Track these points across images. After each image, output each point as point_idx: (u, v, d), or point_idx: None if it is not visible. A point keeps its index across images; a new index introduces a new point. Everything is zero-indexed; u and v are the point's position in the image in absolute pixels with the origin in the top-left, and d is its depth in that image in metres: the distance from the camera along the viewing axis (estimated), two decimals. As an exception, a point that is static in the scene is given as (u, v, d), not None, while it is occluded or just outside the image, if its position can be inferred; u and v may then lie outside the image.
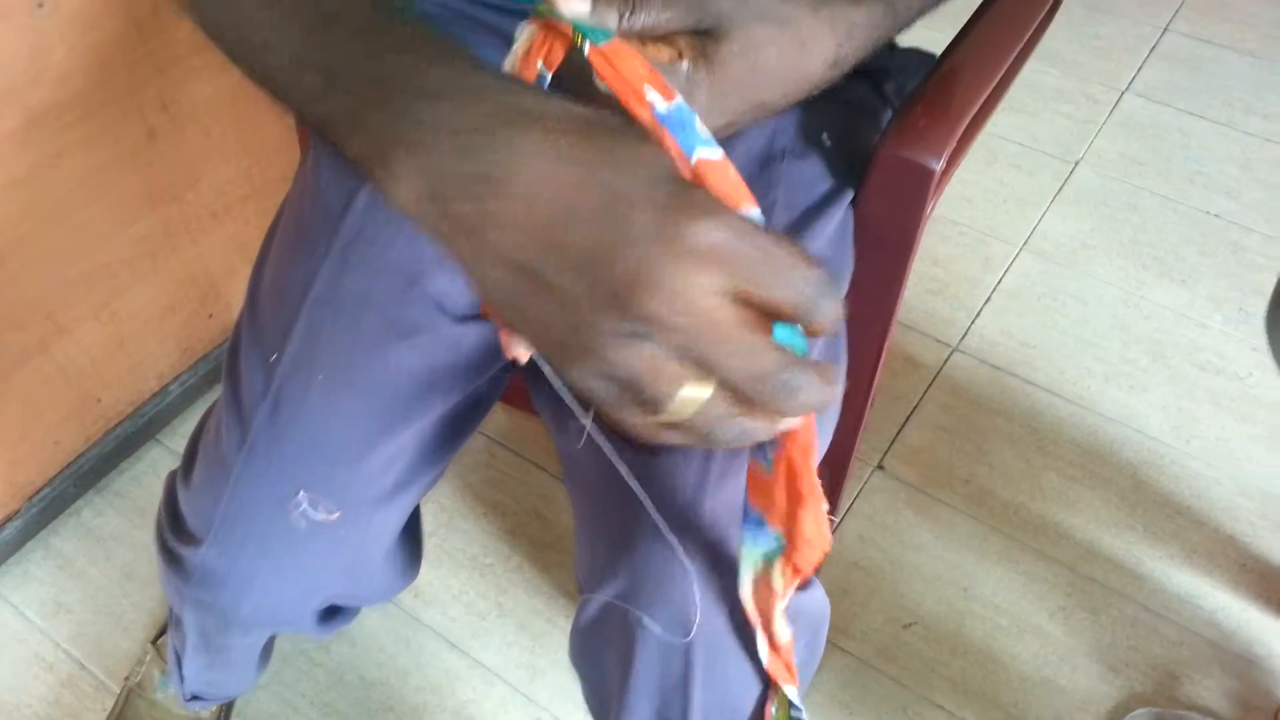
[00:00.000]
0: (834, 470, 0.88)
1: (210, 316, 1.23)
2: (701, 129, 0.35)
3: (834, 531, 1.15)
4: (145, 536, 1.17)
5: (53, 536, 1.16)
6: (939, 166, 0.57)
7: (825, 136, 0.64)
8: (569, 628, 1.10)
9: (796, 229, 0.61)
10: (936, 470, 1.21)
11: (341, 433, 0.60)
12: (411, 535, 0.72)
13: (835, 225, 0.62)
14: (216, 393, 1.36)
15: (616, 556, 0.54)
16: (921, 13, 0.50)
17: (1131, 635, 1.07)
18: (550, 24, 0.38)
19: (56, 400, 1.10)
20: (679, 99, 0.36)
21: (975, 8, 0.69)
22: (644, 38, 0.40)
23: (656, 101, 0.35)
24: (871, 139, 0.69)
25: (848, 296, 0.63)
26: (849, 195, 0.63)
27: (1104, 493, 1.18)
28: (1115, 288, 1.41)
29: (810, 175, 0.63)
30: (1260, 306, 1.38)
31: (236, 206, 1.17)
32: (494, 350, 0.65)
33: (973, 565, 1.12)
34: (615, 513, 0.55)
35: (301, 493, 0.59)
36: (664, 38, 0.40)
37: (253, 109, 1.12)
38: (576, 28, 0.37)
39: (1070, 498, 1.18)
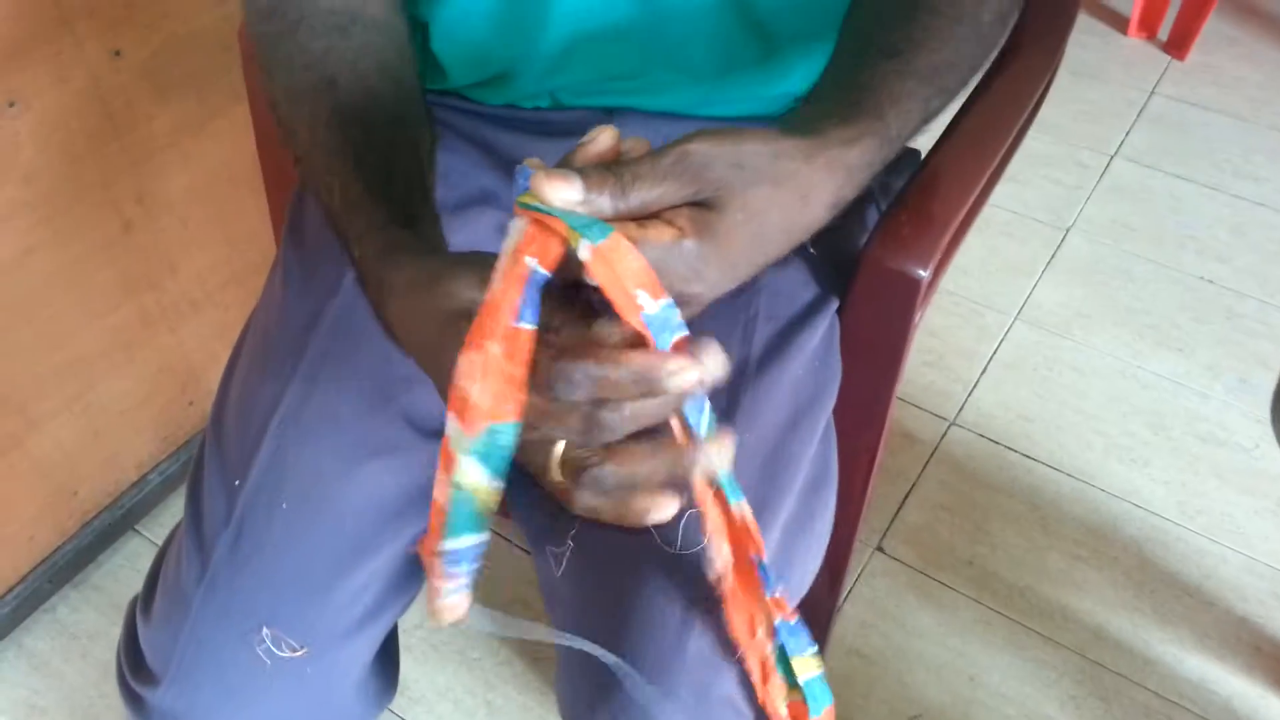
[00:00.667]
0: (833, 564, 0.85)
1: (191, 404, 1.21)
2: (678, 320, 0.35)
3: (834, 617, 1.11)
4: (121, 634, 1.13)
5: (26, 635, 1.12)
6: (926, 276, 0.55)
7: (807, 243, 0.62)
8: (559, 726, 1.06)
9: (780, 341, 0.59)
10: (938, 551, 1.17)
11: (307, 564, 0.57)
12: (386, 658, 0.68)
13: (821, 336, 0.60)
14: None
15: (595, 702, 0.51)
16: (912, 135, 0.49)
17: (1144, 726, 1.03)
18: (542, 219, 0.35)
19: (30, 495, 1.07)
20: (666, 300, 0.35)
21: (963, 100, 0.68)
22: (640, 217, 0.37)
23: (646, 304, 0.34)
24: (858, 240, 0.68)
25: (836, 407, 0.60)
26: (834, 304, 0.61)
27: (1110, 573, 1.15)
28: (1111, 357, 1.38)
29: (793, 284, 0.61)
30: (1260, 375, 1.36)
31: (216, 294, 1.15)
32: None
33: (978, 652, 1.08)
34: (594, 658, 0.52)
35: (264, 629, 0.56)
36: (662, 215, 0.38)
37: (231, 196, 1.10)
38: (572, 225, 0.34)
39: (1075, 579, 1.14)
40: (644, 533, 0.53)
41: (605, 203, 0.37)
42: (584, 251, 0.34)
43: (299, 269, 0.65)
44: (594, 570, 0.54)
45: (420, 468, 0.60)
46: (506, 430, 0.34)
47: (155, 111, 0.97)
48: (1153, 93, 1.84)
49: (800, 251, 0.62)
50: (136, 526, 1.22)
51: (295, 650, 0.57)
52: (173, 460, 1.22)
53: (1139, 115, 1.79)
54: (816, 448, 0.58)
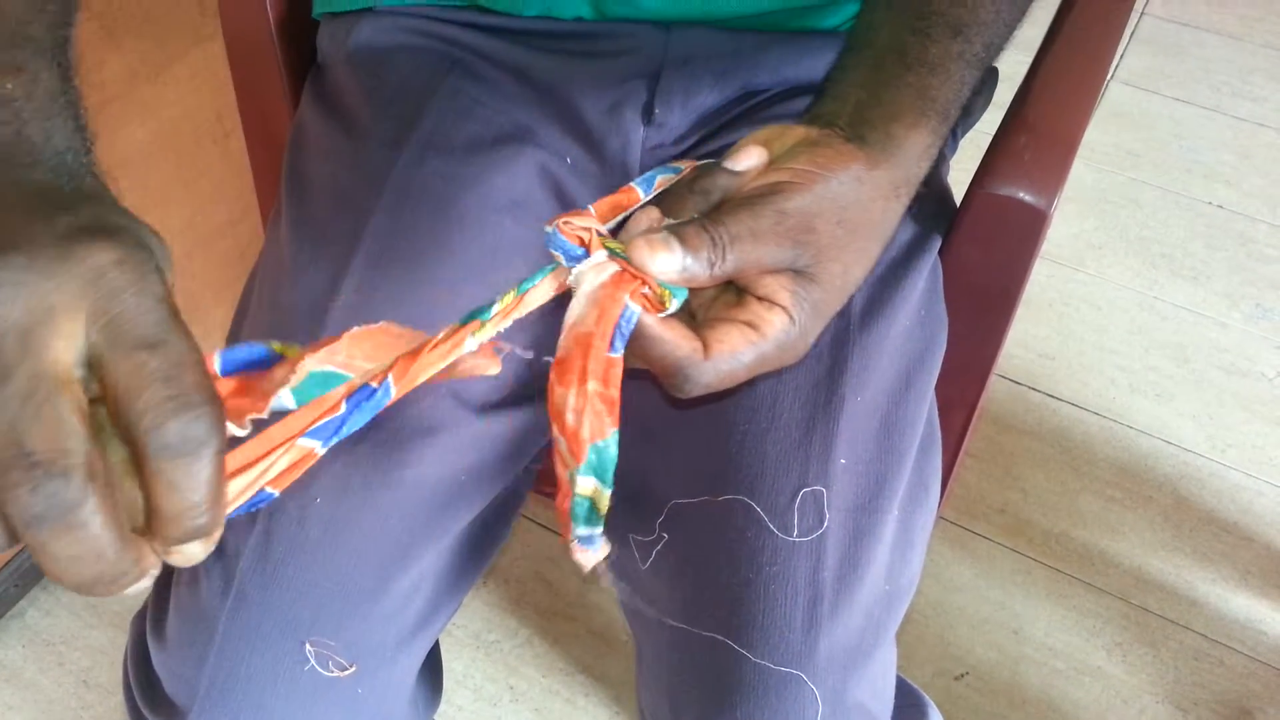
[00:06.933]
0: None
1: (159, 383, 1.10)
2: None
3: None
4: (101, 637, 1.04)
5: (-6, 645, 1.03)
6: (1052, 207, 0.48)
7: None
8: (590, 706, 1.00)
9: (882, 289, 0.51)
10: (969, 500, 1.12)
11: (351, 568, 0.49)
12: (430, 660, 0.61)
13: (925, 281, 0.52)
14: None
15: (709, 716, 0.44)
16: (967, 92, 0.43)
17: (1196, 669, 0.99)
18: (630, 268, 0.36)
19: (-12, 493, 0.97)
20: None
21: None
22: (741, 282, 0.37)
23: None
24: (939, 169, 0.60)
25: (945, 361, 0.53)
26: (935, 243, 0.54)
27: (1146, 512, 1.11)
28: (1128, 289, 1.34)
29: (890, 221, 0.53)
30: (1275, 301, 1.33)
31: (182, 261, 1.04)
32: (526, 440, 0.55)
33: (1020, 604, 1.04)
34: (706, 660, 0.45)
35: (307, 647, 0.48)
36: (758, 288, 0.37)
37: (194, 149, 0.99)
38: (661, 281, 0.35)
39: (1111, 521, 1.10)
40: (753, 520, 0.46)
41: (701, 268, 0.35)
42: (674, 306, 0.36)
43: (307, 228, 0.56)
44: (693, 561, 0.47)
45: (469, 447, 0.52)
46: (609, 443, 0.35)
47: (106, 56, 0.85)
48: (1143, 13, 1.79)
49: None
50: (108, 518, 1.12)
51: (344, 669, 0.49)
52: (143, 445, 1.12)
53: (1130, 37, 1.74)
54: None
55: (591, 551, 0.36)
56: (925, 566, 1.13)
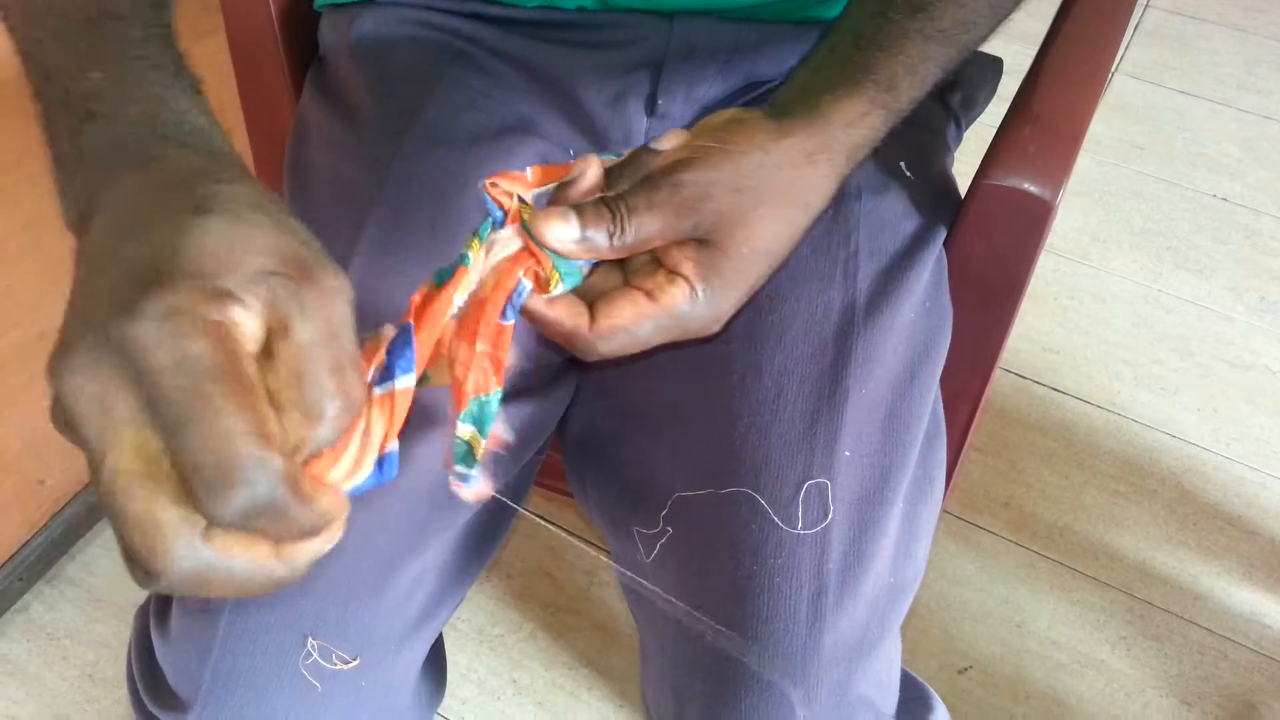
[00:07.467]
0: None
1: (162, 378, 1.10)
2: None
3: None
4: (105, 631, 1.04)
5: (-2, 639, 1.03)
6: (1057, 198, 0.48)
7: (903, 165, 0.55)
8: (593, 700, 1.00)
9: (887, 280, 0.51)
10: (973, 494, 1.12)
11: (353, 562, 0.49)
12: (433, 654, 0.61)
13: (930, 272, 0.52)
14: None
15: (714, 712, 0.44)
16: (920, 98, 0.43)
17: (1200, 663, 0.99)
18: (534, 248, 0.38)
19: (-8, 488, 0.97)
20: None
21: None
22: (640, 251, 0.38)
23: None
24: (943, 160, 0.60)
25: (949, 353, 0.53)
26: (940, 234, 0.54)
27: (1150, 506, 1.11)
28: (1132, 282, 1.34)
29: (893, 213, 0.53)
30: (1282, 293, 1.32)
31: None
32: (529, 434, 0.55)
33: (1024, 598, 1.04)
34: (708, 654, 0.45)
35: (310, 641, 0.48)
36: (665, 260, 0.39)
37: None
38: (556, 265, 0.37)
39: (1116, 515, 1.10)
40: (757, 512, 0.45)
41: (602, 240, 0.37)
42: (559, 290, 0.38)
43: (309, 219, 0.55)
44: (697, 555, 0.47)
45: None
46: (492, 399, 0.37)
47: None
48: (1148, 6, 1.78)
49: (897, 174, 0.55)
50: (111, 513, 1.13)
51: (347, 662, 0.49)
52: (146, 440, 1.12)
53: (1135, 29, 1.73)
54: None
55: (467, 487, 0.38)
56: (929, 560, 1.13)
